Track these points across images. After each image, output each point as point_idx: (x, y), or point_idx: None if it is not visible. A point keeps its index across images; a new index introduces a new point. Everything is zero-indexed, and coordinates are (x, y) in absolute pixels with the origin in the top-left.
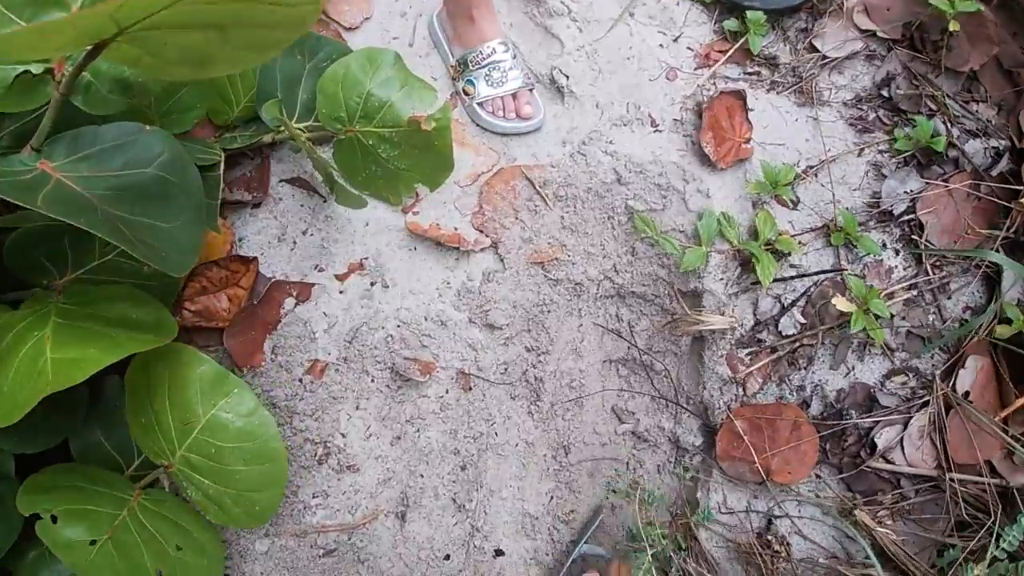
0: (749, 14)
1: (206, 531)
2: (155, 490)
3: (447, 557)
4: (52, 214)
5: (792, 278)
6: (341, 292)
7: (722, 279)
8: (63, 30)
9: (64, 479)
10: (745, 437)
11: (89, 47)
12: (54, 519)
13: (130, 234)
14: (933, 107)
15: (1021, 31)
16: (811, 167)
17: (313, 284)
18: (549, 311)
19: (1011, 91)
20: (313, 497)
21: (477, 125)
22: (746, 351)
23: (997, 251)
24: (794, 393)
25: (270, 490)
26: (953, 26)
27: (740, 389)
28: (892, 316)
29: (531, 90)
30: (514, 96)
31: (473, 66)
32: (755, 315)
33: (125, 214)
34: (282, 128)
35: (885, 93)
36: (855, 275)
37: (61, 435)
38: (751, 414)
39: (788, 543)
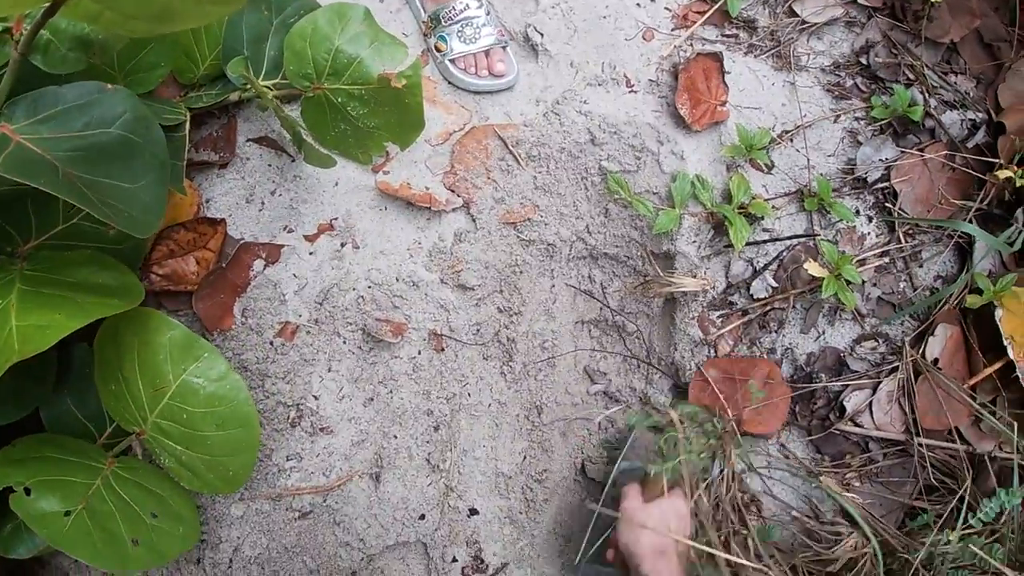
0: None
1: (181, 497)
2: (128, 458)
3: (422, 517)
4: (10, 176)
5: (765, 242)
6: (311, 253)
7: (695, 242)
8: None
9: (36, 450)
10: (716, 387)
11: (47, 3)
12: (27, 491)
13: (93, 196)
14: (911, 77)
15: (1003, 5)
16: (786, 132)
17: (282, 245)
18: (521, 272)
19: (990, 64)
20: (287, 460)
21: (449, 83)
22: (717, 313)
23: (970, 222)
24: (764, 355)
25: (243, 455)
26: None
27: (711, 351)
28: (864, 282)
29: (504, 48)
30: (487, 53)
31: (445, 22)
32: (727, 278)
33: (88, 175)
34: (248, 86)
35: (863, 61)
36: (828, 240)
37: (31, 405)
38: (724, 366)
39: (759, 501)
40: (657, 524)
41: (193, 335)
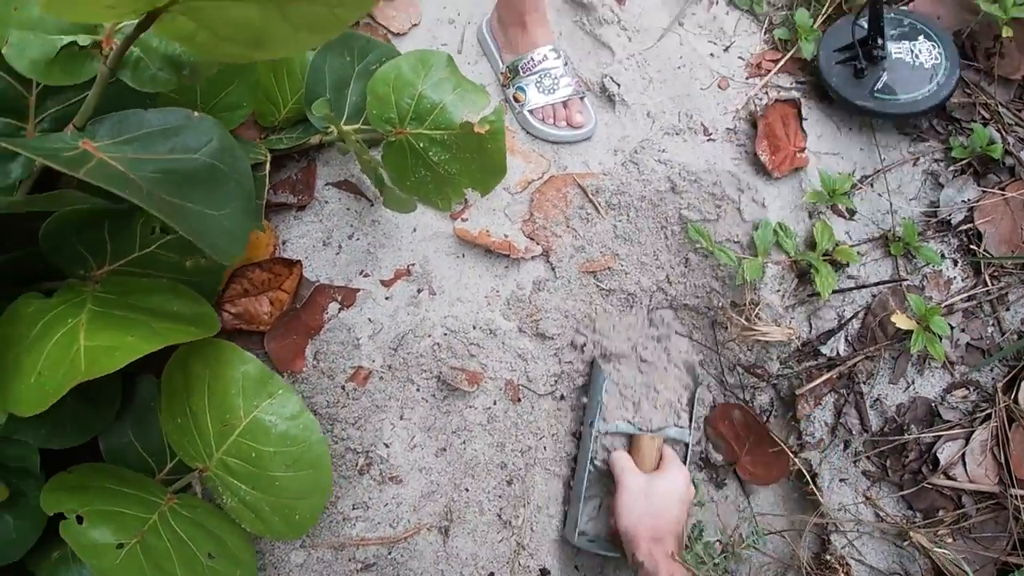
0: (797, 17)
1: (240, 540)
2: (187, 495)
3: (491, 575)
4: (97, 182)
5: (851, 289)
6: (387, 298)
7: (779, 291)
8: None
9: (92, 479)
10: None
11: (142, 16)
12: (80, 520)
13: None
14: (987, 116)
15: None
16: (866, 177)
17: (358, 290)
18: None
19: None
20: (353, 508)
21: (527, 133)
22: (803, 365)
23: None
24: (852, 406)
25: (312, 498)
26: (1006, 32)
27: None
28: (952, 329)
29: (582, 98)
30: (565, 104)
31: (524, 73)
32: (813, 327)
33: (171, 198)
34: (330, 129)
35: None
36: (915, 286)
37: (91, 432)
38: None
39: (848, 564)
40: (662, 501)
41: (268, 370)
